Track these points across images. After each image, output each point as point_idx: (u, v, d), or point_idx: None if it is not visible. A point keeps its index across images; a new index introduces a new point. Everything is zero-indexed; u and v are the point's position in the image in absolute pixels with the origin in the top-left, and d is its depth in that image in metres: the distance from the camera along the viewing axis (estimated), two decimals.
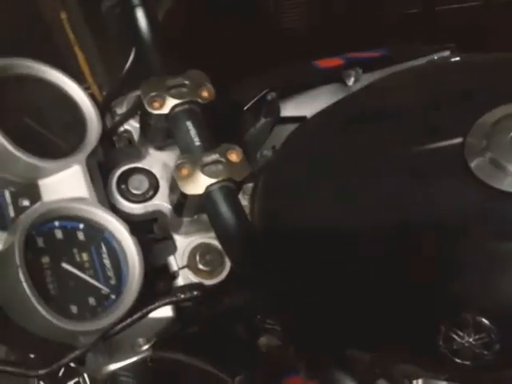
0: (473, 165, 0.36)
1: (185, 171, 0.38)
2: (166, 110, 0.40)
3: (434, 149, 0.39)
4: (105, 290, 0.38)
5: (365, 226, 0.39)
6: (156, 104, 0.40)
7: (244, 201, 0.50)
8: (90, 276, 0.38)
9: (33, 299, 0.33)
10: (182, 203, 0.39)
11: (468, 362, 0.36)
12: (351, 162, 0.42)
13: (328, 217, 0.41)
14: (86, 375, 0.45)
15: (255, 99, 0.57)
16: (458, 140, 0.38)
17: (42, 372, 0.36)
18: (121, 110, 0.48)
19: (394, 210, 0.39)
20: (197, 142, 0.39)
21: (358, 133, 0.44)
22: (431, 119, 0.41)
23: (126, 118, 0.46)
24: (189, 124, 0.40)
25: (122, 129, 0.48)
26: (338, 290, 0.40)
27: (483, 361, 0.35)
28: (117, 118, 0.47)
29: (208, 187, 0.37)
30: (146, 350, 0.43)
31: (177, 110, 0.40)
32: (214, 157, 0.38)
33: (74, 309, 0.36)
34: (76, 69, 0.46)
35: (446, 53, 0.55)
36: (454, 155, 0.37)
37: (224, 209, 0.37)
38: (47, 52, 0.43)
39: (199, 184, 0.37)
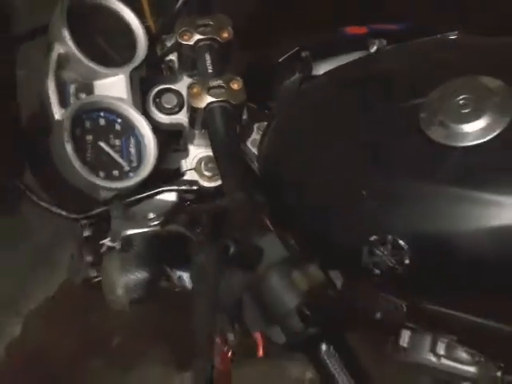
0: (421, 120, 0.43)
1: (195, 90, 0.48)
2: (191, 42, 0.50)
3: (400, 108, 0.46)
4: (126, 167, 0.51)
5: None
6: (186, 37, 0.51)
7: (253, 150, 0.59)
8: (118, 155, 0.50)
9: (72, 159, 0.47)
10: (192, 115, 0.50)
11: (384, 273, 0.43)
12: (338, 115, 0.50)
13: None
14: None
15: (290, 53, 0.65)
16: (419, 101, 0.44)
17: (81, 215, 0.49)
18: (169, 44, 0.59)
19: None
20: (210, 69, 0.50)
21: (352, 91, 0.52)
22: (406, 84, 0.48)
23: (170, 49, 0.57)
24: (207, 56, 0.50)
25: (167, 58, 0.59)
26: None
27: (395, 273, 0.43)
28: (164, 50, 0.58)
29: (209, 103, 0.48)
30: (156, 225, 0.55)
31: (201, 43, 0.50)
32: (219, 82, 0.49)
33: (101, 174, 0.49)
34: (138, 6, 0.58)
35: (454, 33, 0.59)
36: (412, 115, 0.44)
37: (218, 121, 0.48)
38: None
39: (203, 101, 0.48)
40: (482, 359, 0.47)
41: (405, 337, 0.48)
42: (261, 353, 0.37)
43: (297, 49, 0.64)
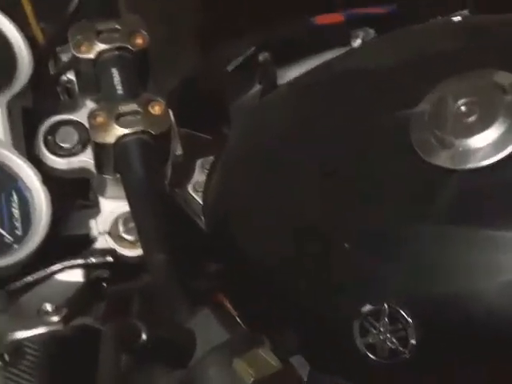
0: (413, 138, 0.47)
1: (99, 119, 0.52)
2: (92, 54, 0.55)
3: (384, 118, 0.50)
4: (8, 238, 0.54)
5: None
6: (83, 48, 0.55)
7: (196, 197, 0.64)
8: None
9: None
10: (99, 154, 0.54)
11: (383, 360, 0.46)
12: (311, 140, 0.54)
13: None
14: None
15: (243, 57, 0.71)
16: (409, 111, 0.49)
17: None
18: (65, 58, 0.64)
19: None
20: (119, 90, 0.54)
21: (328, 104, 0.56)
22: (392, 88, 0.52)
23: (66, 66, 0.62)
24: (114, 71, 0.54)
25: (63, 78, 0.64)
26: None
27: (399, 358, 0.45)
28: (58, 67, 0.63)
29: (120, 137, 0.52)
30: (56, 322, 0.57)
31: (104, 55, 0.55)
32: (132, 106, 0.53)
33: None
34: (17, 8, 0.63)
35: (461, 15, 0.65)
36: (399, 127, 0.48)
37: (133, 162, 0.51)
38: None
39: (112, 133, 0.52)
40: None
41: None
42: None
43: (252, 50, 0.70)
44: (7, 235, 0.54)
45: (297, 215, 0.51)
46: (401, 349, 0.45)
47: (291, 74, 0.69)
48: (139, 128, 0.52)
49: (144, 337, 0.37)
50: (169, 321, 0.41)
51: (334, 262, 0.48)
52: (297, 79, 0.63)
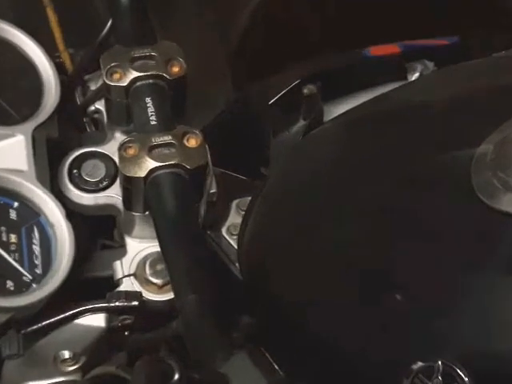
0: (475, 180, 0.49)
1: (130, 151, 0.56)
2: (125, 82, 0.59)
3: (443, 158, 0.53)
4: (27, 276, 0.57)
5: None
6: (116, 76, 0.59)
7: (231, 241, 0.66)
8: (13, 259, 0.57)
9: None
10: (126, 190, 0.57)
11: None
12: (362, 182, 0.57)
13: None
14: None
15: (287, 89, 0.73)
16: (468, 151, 0.51)
17: None
18: (94, 87, 0.68)
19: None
20: (153, 120, 0.58)
21: (381, 142, 0.59)
22: (451, 125, 0.55)
23: (95, 95, 0.66)
24: (148, 100, 0.58)
25: (91, 108, 0.68)
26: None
27: None
28: (87, 96, 0.67)
29: (151, 171, 0.55)
30: (74, 371, 0.60)
31: (138, 83, 0.59)
32: (166, 138, 0.56)
33: None
34: (47, 34, 0.67)
35: None
36: (458, 168, 0.50)
37: (166, 198, 0.54)
38: (14, 12, 0.64)
39: (144, 167, 0.55)
40: None
41: None
42: None
43: (297, 81, 0.72)
44: (26, 273, 0.57)
45: (343, 261, 0.54)
46: None
47: (339, 109, 0.72)
48: (173, 161, 0.55)
49: (176, 377, 0.39)
50: (202, 363, 0.43)
51: (382, 313, 0.51)
52: (345, 114, 0.66)
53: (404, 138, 0.57)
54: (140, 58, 0.60)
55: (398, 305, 0.49)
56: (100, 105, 0.68)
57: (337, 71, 0.75)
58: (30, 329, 0.57)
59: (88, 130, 0.69)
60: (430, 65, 0.74)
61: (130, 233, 0.62)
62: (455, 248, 0.49)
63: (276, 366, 0.45)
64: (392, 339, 0.50)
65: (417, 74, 0.74)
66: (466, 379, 0.45)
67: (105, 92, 0.61)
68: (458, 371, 0.46)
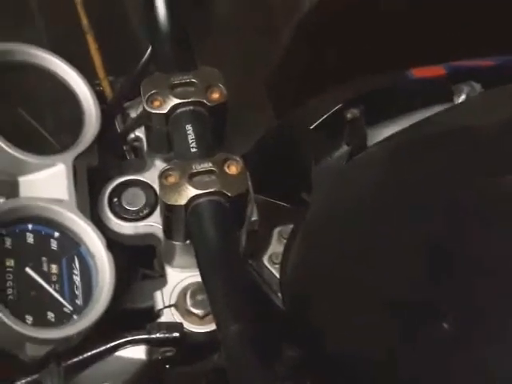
0: None
1: (171, 179, 0.55)
2: (165, 109, 0.58)
3: (494, 184, 0.51)
4: (68, 307, 0.56)
5: None
6: (156, 103, 0.59)
7: (273, 270, 0.65)
8: (54, 289, 0.56)
9: None
10: (167, 218, 0.57)
11: None
12: (410, 211, 0.55)
13: None
14: None
15: (329, 113, 0.73)
16: None
17: None
18: (134, 114, 0.68)
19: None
20: (193, 148, 0.57)
21: (429, 168, 0.57)
22: (501, 150, 0.53)
23: (135, 123, 0.66)
24: (188, 127, 0.58)
25: (131, 136, 0.68)
26: None
27: None
28: (127, 124, 0.67)
29: (192, 199, 0.54)
30: None
31: (178, 110, 0.59)
32: (207, 165, 0.56)
33: (29, 319, 0.55)
34: (86, 60, 0.67)
35: None
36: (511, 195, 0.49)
37: (207, 226, 0.53)
38: (53, 39, 0.65)
39: (183, 194, 0.55)
40: None
41: None
42: None
43: (339, 106, 0.72)
44: (67, 305, 0.57)
45: (391, 293, 0.52)
46: None
47: (382, 132, 0.71)
48: (214, 189, 0.55)
49: None
50: None
51: (431, 347, 0.48)
52: (390, 139, 0.65)
53: (453, 164, 0.56)
54: (180, 84, 0.59)
55: (447, 336, 0.48)
56: (140, 132, 0.68)
57: (380, 94, 0.74)
58: (70, 361, 0.56)
59: (128, 157, 0.69)
60: (477, 86, 0.73)
61: (170, 262, 0.62)
62: (508, 276, 0.47)
63: None
64: (445, 374, 0.47)
65: (463, 97, 0.72)
66: None
67: (145, 119, 0.61)
68: None
